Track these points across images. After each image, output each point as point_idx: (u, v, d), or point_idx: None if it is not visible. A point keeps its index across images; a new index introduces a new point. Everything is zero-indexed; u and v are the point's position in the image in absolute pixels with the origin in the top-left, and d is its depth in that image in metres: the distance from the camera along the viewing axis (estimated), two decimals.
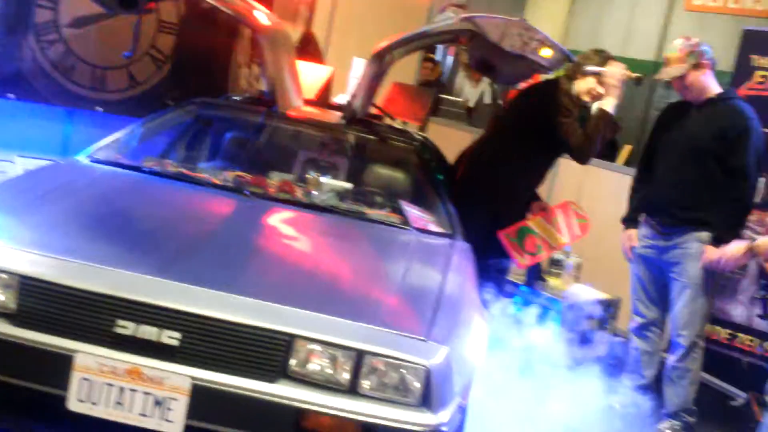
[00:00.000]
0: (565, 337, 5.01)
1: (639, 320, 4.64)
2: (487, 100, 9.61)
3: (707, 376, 5.26)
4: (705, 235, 4.28)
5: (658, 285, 4.52)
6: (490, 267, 4.48)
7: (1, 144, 5.33)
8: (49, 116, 5.71)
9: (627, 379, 4.69)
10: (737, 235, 4.24)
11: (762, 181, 5.34)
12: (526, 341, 4.75)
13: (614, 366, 5.01)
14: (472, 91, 9.98)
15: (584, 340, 5.08)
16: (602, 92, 4.44)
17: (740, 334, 5.30)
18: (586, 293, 5.25)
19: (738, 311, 5.31)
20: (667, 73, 4.31)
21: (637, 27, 10.74)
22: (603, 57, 4.52)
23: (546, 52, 4.27)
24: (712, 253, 4.18)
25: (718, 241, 4.20)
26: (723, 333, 5.36)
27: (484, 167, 4.70)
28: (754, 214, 5.31)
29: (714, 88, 4.34)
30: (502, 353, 4.08)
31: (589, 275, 5.55)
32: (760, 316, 4.86)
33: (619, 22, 11.01)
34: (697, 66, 4.25)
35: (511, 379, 4.06)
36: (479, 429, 3.40)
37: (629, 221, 4.67)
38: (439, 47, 10.54)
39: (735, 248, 4.06)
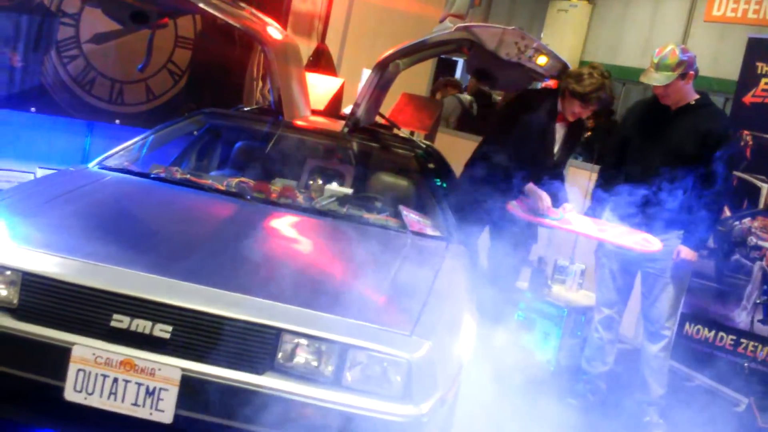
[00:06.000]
0: (567, 342, 5.10)
1: (606, 311, 4.78)
2: None
3: (712, 382, 5.30)
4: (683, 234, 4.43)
5: (626, 278, 4.66)
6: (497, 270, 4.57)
7: (23, 156, 5.54)
8: (70, 129, 5.92)
9: (589, 367, 4.85)
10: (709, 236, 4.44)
11: (765, 187, 5.41)
12: (521, 344, 4.86)
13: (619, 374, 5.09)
14: None
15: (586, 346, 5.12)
16: (585, 115, 4.57)
17: (744, 340, 5.33)
18: (589, 300, 5.29)
19: (742, 317, 5.35)
20: (655, 78, 4.34)
21: (656, 38, 10.67)
22: (594, 79, 4.43)
23: (542, 60, 4.34)
24: (686, 253, 4.36)
25: (692, 242, 4.36)
26: (727, 339, 5.39)
27: (470, 168, 4.78)
28: (758, 220, 5.38)
29: (692, 94, 4.45)
30: (495, 354, 4.17)
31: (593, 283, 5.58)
32: (761, 321, 4.91)
33: (639, 34, 10.99)
34: (684, 76, 4.33)
35: (502, 379, 4.14)
36: (469, 424, 3.49)
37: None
38: None
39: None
